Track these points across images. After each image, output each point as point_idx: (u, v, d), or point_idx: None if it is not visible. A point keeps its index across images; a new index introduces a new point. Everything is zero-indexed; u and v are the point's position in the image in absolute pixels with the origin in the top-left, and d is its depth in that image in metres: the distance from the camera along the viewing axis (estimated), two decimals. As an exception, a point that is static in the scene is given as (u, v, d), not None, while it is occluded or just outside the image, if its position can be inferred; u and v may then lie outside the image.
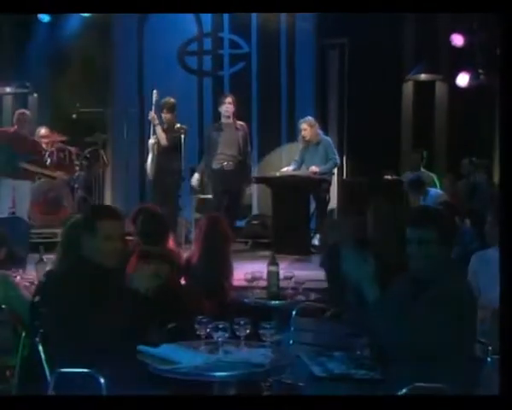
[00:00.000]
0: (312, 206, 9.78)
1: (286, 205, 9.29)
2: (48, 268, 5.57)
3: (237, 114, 9.30)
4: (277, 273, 5.34)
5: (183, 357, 3.53)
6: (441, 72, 11.53)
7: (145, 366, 3.55)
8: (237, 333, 3.61)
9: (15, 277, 5.55)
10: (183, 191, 9.65)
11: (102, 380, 3.60)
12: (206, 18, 11.73)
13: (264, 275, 5.48)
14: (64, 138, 10.97)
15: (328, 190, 9.72)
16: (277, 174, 9.61)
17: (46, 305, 4.49)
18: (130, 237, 5.39)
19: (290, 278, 5.47)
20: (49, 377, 3.83)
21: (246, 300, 5.27)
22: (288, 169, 9.71)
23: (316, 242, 9.70)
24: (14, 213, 9.17)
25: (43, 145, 10.30)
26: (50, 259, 5.79)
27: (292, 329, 4.90)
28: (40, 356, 3.97)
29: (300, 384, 3.87)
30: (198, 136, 11.17)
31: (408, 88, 11.76)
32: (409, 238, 3.67)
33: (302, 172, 9.57)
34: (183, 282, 5.44)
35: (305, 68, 11.56)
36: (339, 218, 5.16)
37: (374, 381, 3.69)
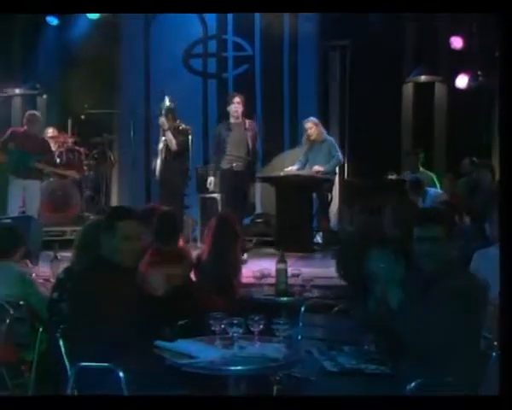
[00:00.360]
0: (315, 204, 9.90)
1: (289, 204, 9.38)
2: (62, 266, 5.73)
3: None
4: (286, 271, 5.45)
5: (199, 352, 3.64)
6: (441, 74, 11.62)
7: (163, 361, 3.66)
8: (251, 328, 3.71)
9: (31, 274, 5.71)
10: (190, 190, 9.83)
11: (122, 374, 3.70)
12: (211, 21, 11.88)
13: (272, 272, 5.63)
14: (73, 139, 11.11)
15: (330, 190, 9.83)
16: (281, 174, 9.70)
17: (66, 302, 4.69)
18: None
19: (297, 275, 5.60)
20: (69, 372, 3.94)
21: (255, 296, 5.38)
22: (292, 169, 9.81)
23: (319, 239, 9.90)
24: (24, 212, 9.24)
25: (53, 145, 10.40)
26: (65, 256, 5.97)
27: (300, 324, 4.98)
28: (58, 351, 4.06)
29: (311, 379, 3.92)
30: (202, 137, 11.33)
31: (408, 89, 11.85)
32: (419, 236, 3.80)
33: (306, 171, 9.65)
34: (193, 279, 5.55)
35: (307, 70, 11.69)
36: (355, 217, 5.22)
37: (384, 375, 3.76)
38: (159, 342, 3.81)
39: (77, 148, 11.05)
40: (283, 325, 3.79)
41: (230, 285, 5.48)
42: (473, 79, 10.95)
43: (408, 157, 10.98)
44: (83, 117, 11.10)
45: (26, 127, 9.45)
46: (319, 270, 7.18)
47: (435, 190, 9.52)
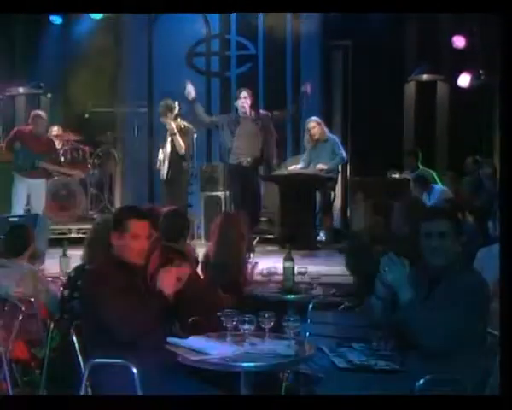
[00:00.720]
0: (318, 203, 9.95)
1: (293, 202, 9.42)
2: (71, 263, 5.80)
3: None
4: (293, 269, 5.50)
5: (212, 348, 3.70)
6: (443, 72, 11.65)
7: (175, 357, 3.72)
8: (262, 325, 3.76)
9: (42, 271, 5.77)
10: (193, 189, 9.89)
11: (135, 370, 3.75)
12: (214, 20, 11.94)
13: (279, 270, 5.69)
14: (78, 138, 11.16)
15: (333, 188, 9.91)
16: (285, 172, 9.75)
17: (77, 299, 4.75)
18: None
19: (304, 273, 5.66)
20: (82, 368, 4.00)
21: (262, 294, 5.42)
22: (295, 167, 9.87)
23: (322, 237, 9.96)
24: (29, 210, 9.30)
25: (57, 144, 10.44)
26: (73, 254, 6.03)
27: (308, 321, 5.02)
28: (71, 348, 4.12)
29: (320, 375, 3.96)
30: (206, 135, 11.38)
31: (410, 88, 11.88)
32: (427, 231, 3.86)
33: (309, 169, 9.70)
34: (201, 277, 5.63)
35: (310, 69, 11.73)
36: (363, 216, 5.27)
37: (393, 372, 3.79)
38: (171, 339, 3.87)
39: (81, 146, 11.10)
40: (294, 322, 3.85)
41: (237, 283, 5.50)
42: (475, 77, 11.01)
43: (407, 156, 11.03)
44: (87, 116, 11.13)
45: (31, 127, 9.47)
46: (324, 267, 7.24)
47: (440, 187, 9.57)
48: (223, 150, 9.26)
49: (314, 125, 9.75)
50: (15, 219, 7.75)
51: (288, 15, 11.54)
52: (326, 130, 9.90)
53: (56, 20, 11.33)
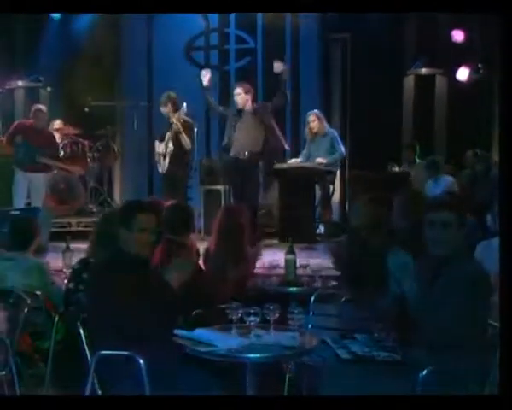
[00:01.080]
0: (318, 196, 9.98)
1: (292, 195, 9.45)
2: (74, 256, 5.82)
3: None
4: (295, 262, 5.55)
5: (218, 340, 3.75)
6: (442, 66, 11.66)
7: (182, 349, 3.77)
8: (267, 317, 3.82)
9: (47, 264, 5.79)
10: (193, 182, 9.92)
11: (142, 361, 3.79)
12: (213, 14, 11.91)
13: (281, 263, 5.74)
14: (77, 131, 11.17)
15: (333, 182, 9.94)
16: (284, 166, 9.78)
17: (82, 292, 4.79)
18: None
19: (306, 266, 5.70)
20: (89, 360, 4.04)
21: (265, 287, 5.50)
22: (295, 161, 9.91)
23: (321, 231, 10.00)
24: (29, 204, 9.33)
25: (57, 137, 10.46)
26: (76, 248, 6.07)
27: (311, 314, 5.07)
28: (77, 340, 4.16)
29: (322, 366, 4.02)
30: (204, 129, 11.41)
31: (409, 82, 11.90)
32: (431, 222, 3.90)
33: (309, 163, 9.71)
34: (203, 269, 5.65)
35: (308, 63, 11.76)
36: (363, 209, 5.28)
37: (395, 363, 3.84)
38: (178, 331, 3.91)
39: (81, 140, 11.12)
40: (298, 314, 3.93)
41: (238, 276, 5.53)
42: (473, 71, 11.05)
43: (405, 149, 11.08)
44: (86, 109, 11.14)
45: (32, 121, 9.48)
46: (324, 260, 7.26)
47: (450, 178, 9.55)
48: (224, 143, 9.28)
49: (314, 118, 9.79)
50: (17, 212, 7.78)
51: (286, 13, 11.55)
52: (326, 124, 9.92)
53: (55, 15, 11.31)
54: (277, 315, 3.85)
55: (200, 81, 9.14)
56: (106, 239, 4.72)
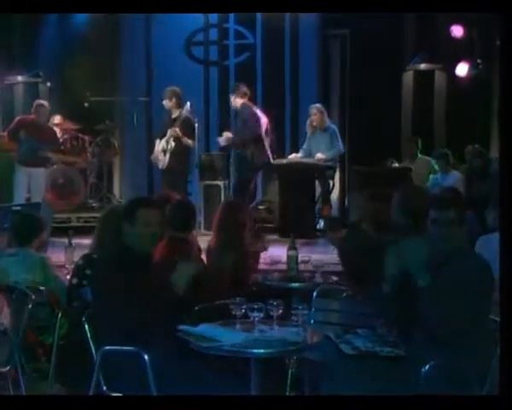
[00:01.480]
0: (317, 191, 10.02)
1: (292, 190, 9.51)
2: (76, 252, 5.85)
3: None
4: (296, 257, 5.59)
5: (223, 335, 3.77)
6: (441, 62, 11.66)
7: (187, 344, 3.78)
8: (270, 313, 3.83)
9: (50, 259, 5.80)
10: (192, 178, 9.94)
11: (146, 357, 3.80)
12: (213, 9, 11.96)
13: (282, 259, 5.76)
14: (78, 126, 11.18)
15: (333, 177, 9.99)
16: (284, 161, 9.81)
17: (86, 287, 4.82)
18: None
19: (307, 261, 5.72)
20: (94, 356, 4.06)
21: (267, 282, 5.49)
22: (295, 156, 9.94)
23: (321, 226, 10.02)
24: (29, 199, 9.33)
25: (58, 132, 10.46)
26: (77, 243, 6.09)
27: (313, 309, 5.00)
28: (81, 335, 4.17)
29: (325, 361, 4.06)
30: (204, 124, 11.41)
31: (408, 77, 11.89)
32: (435, 217, 3.91)
33: (308, 158, 9.77)
34: (205, 265, 5.68)
35: (308, 59, 11.79)
36: (364, 204, 5.31)
37: (398, 358, 3.87)
38: (182, 327, 3.92)
39: (80, 135, 11.13)
40: (302, 309, 3.93)
41: (240, 272, 5.55)
42: (472, 67, 11.05)
43: (407, 143, 11.07)
44: (86, 105, 11.15)
45: (34, 116, 9.50)
46: (325, 256, 7.29)
47: (458, 175, 9.58)
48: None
49: (315, 112, 9.83)
50: (18, 208, 7.78)
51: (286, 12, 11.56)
52: (327, 119, 9.95)
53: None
54: (281, 311, 3.86)
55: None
56: (109, 234, 4.74)
